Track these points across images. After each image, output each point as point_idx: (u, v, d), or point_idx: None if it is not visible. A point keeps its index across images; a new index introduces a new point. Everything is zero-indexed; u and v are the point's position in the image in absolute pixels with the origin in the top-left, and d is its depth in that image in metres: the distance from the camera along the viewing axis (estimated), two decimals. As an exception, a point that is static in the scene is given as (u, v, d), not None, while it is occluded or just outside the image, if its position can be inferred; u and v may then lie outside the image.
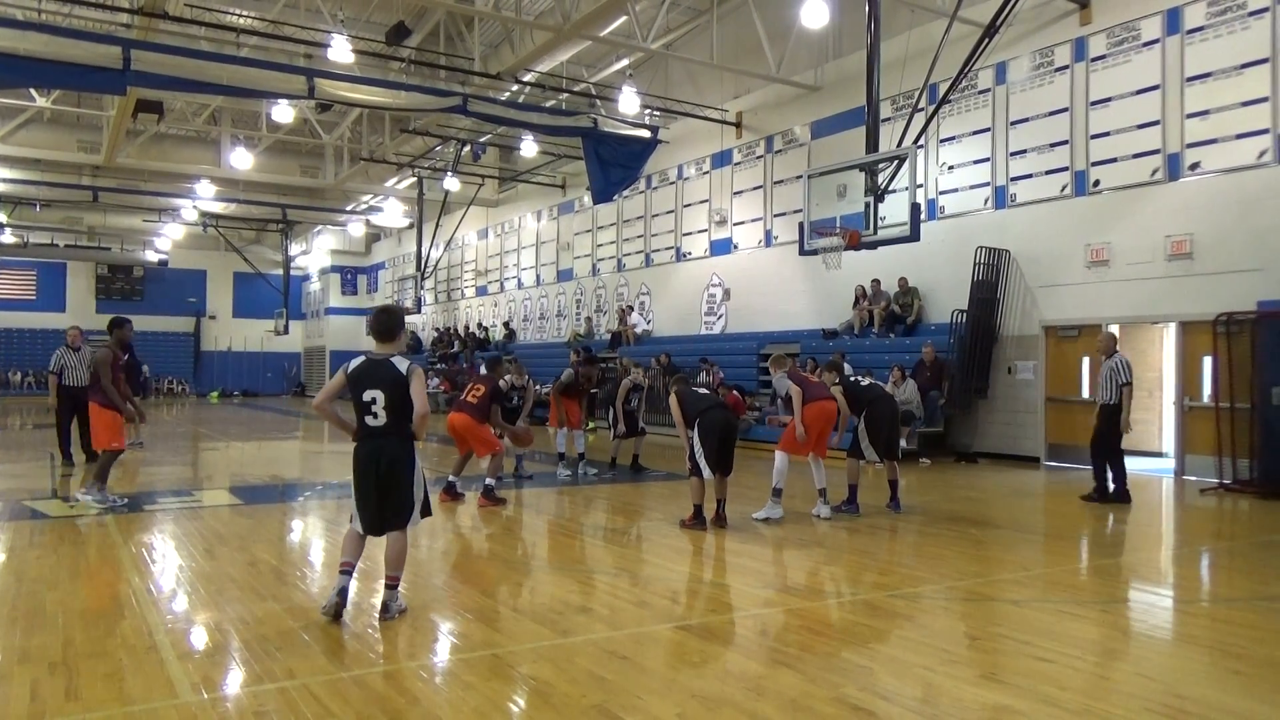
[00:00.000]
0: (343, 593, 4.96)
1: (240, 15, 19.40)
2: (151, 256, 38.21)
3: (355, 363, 5.03)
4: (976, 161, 14.51)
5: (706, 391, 8.49)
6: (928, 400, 13.80)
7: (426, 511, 5.20)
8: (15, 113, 24.04)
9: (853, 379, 9.24)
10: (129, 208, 32.36)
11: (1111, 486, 9.61)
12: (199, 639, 4.77)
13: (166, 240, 37.18)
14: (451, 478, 9.64)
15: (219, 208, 31.56)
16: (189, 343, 40.48)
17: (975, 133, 14.53)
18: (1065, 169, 13.22)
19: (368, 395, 4.89)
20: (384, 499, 4.96)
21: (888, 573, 6.43)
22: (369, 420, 4.92)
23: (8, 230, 33.31)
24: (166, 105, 22.90)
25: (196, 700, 3.80)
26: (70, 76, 13.70)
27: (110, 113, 22.60)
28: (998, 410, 14.01)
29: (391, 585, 5.09)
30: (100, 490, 8.83)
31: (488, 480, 9.40)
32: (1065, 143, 13.21)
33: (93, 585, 5.74)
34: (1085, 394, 12.98)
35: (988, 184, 14.33)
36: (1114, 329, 11.14)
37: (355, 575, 5.15)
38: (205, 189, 27.91)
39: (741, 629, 4.99)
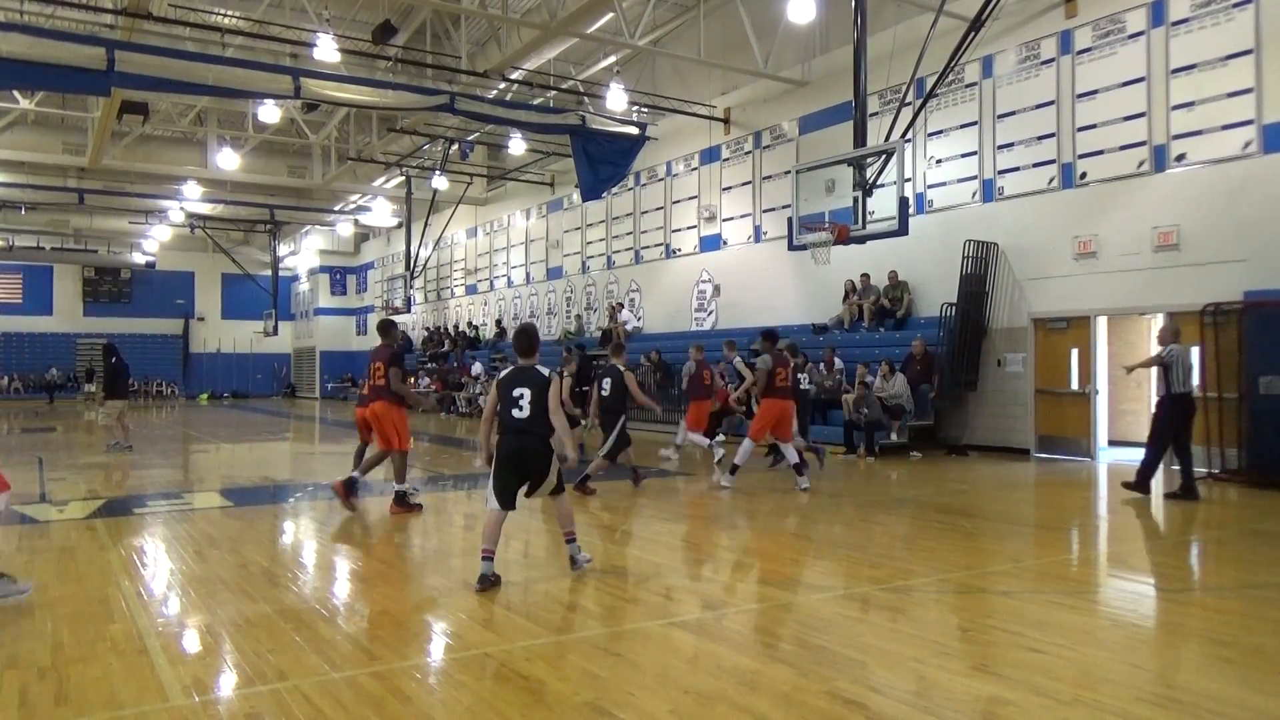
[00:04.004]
0: (489, 575, 5.66)
1: (225, 15, 19.30)
2: (139, 259, 38.01)
3: (505, 371, 5.97)
4: (964, 155, 14.55)
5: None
6: (918, 394, 13.84)
7: (559, 489, 5.96)
8: (-1, 115, 23.89)
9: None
10: (115, 210, 32.18)
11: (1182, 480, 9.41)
12: (190, 642, 4.75)
13: (154, 242, 36.98)
14: (353, 473, 8.63)
15: (206, 209, 31.42)
16: (177, 345, 40.30)
17: (962, 126, 14.56)
18: (1052, 162, 13.26)
19: (516, 392, 5.75)
20: (523, 480, 5.80)
21: (879, 566, 6.45)
22: (515, 413, 5.73)
23: (-7, 234, 33.14)
24: (152, 106, 22.78)
25: (187, 703, 3.78)
26: (54, 78, 13.61)
27: (95, 114, 22.46)
28: (988, 403, 14.06)
29: (570, 539, 5.99)
30: None
31: (397, 485, 8.52)
32: (1052, 135, 13.26)
33: (82, 589, 5.70)
34: (1074, 385, 13.05)
35: (975, 177, 14.37)
36: (1159, 318, 11.11)
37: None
38: (192, 190, 27.75)
39: (733, 624, 4.99)
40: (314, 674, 4.13)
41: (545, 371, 5.82)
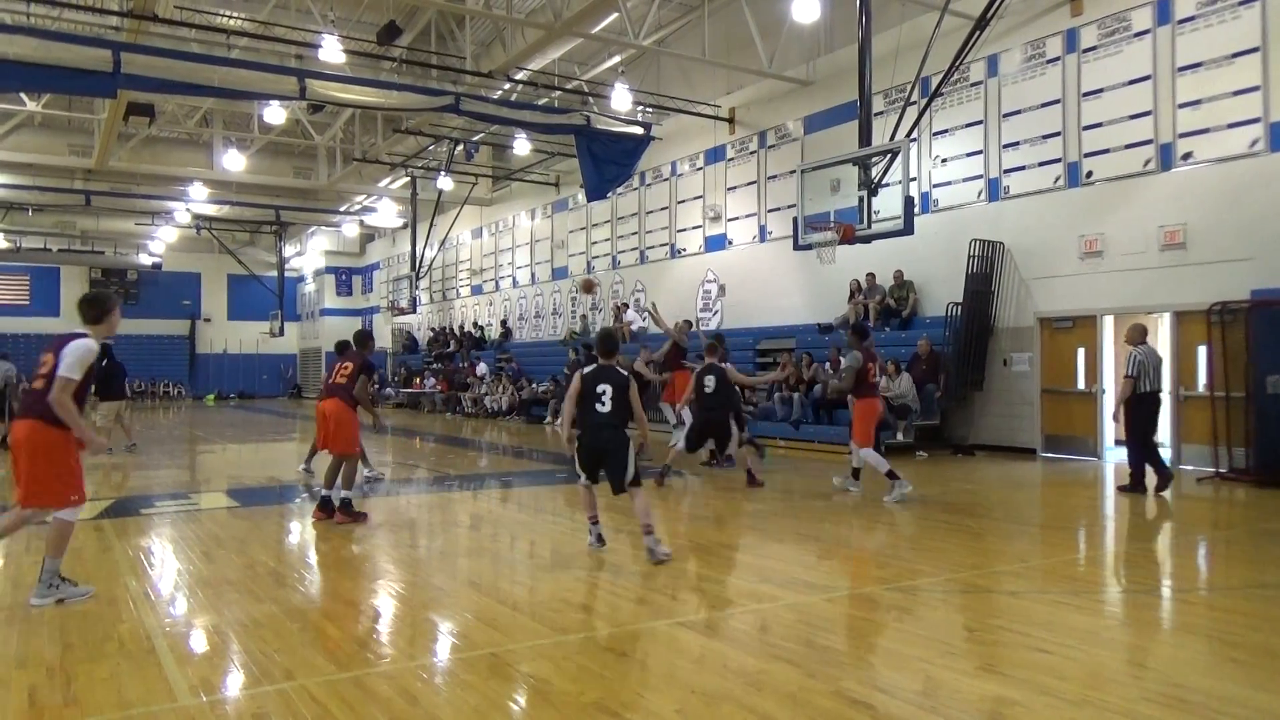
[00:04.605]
0: (599, 537, 6.70)
1: (230, 17, 19.34)
2: (145, 260, 38.09)
3: (589, 368, 6.53)
4: (969, 154, 14.52)
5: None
6: (924, 393, 13.81)
7: (636, 481, 6.44)
8: (6, 117, 23.96)
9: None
10: (122, 211, 32.25)
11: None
12: (198, 642, 4.76)
13: (160, 243, 37.06)
14: (324, 490, 8.23)
15: (212, 210, 31.47)
16: (184, 345, 40.38)
17: (968, 125, 14.54)
18: (1058, 160, 13.23)
19: (600, 388, 6.37)
20: (602, 465, 6.45)
21: (885, 566, 6.44)
22: (598, 407, 6.37)
23: (0, 235, 33.20)
24: (158, 108, 22.80)
25: (195, 703, 3.79)
26: (60, 80, 13.63)
27: (101, 116, 22.52)
28: (994, 402, 14.03)
29: (648, 532, 6.35)
30: None
31: (344, 492, 8.08)
32: (1058, 134, 13.22)
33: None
34: (1081, 385, 13.02)
35: (981, 176, 14.34)
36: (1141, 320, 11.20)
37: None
38: (198, 191, 27.80)
39: (739, 624, 4.99)
40: (321, 674, 4.14)
41: (624, 371, 6.54)
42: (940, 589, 5.70)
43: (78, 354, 5.15)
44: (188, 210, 30.66)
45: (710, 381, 10.13)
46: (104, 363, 15.16)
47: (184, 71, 14.17)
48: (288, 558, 7.10)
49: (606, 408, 6.34)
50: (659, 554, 6.31)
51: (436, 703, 3.83)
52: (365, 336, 8.81)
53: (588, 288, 13.27)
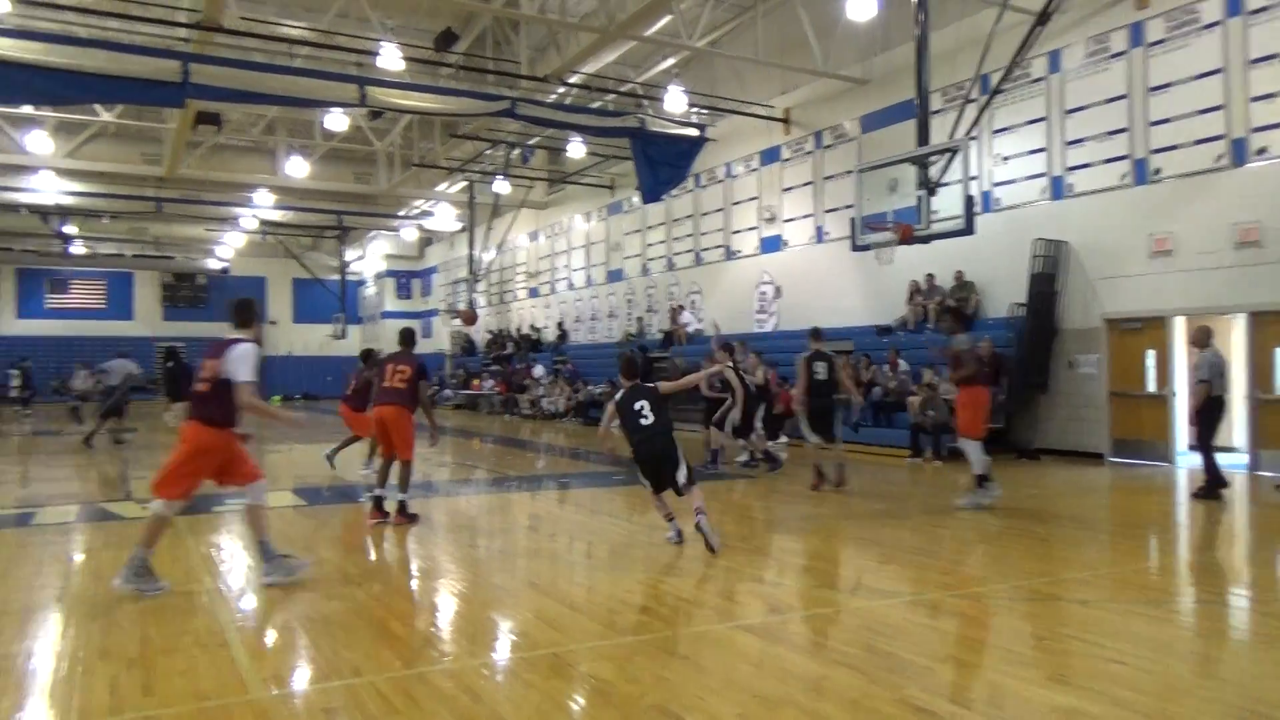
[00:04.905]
0: (679, 533, 6.99)
1: (293, 26, 19.79)
2: (214, 264, 39.21)
3: (619, 394, 7.13)
4: (1032, 152, 14.22)
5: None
6: (986, 396, 13.54)
7: (692, 479, 6.83)
8: (81, 128, 24.83)
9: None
10: (191, 217, 33.21)
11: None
12: (268, 636, 4.89)
13: (228, 248, 38.10)
14: (377, 490, 8.22)
15: (277, 215, 32.22)
16: (251, 348, 41.42)
17: (1030, 122, 14.24)
18: (1125, 157, 12.88)
19: (637, 405, 6.92)
20: (660, 467, 6.87)
21: (949, 572, 6.34)
22: (641, 421, 6.87)
23: (78, 242, 34.45)
24: (224, 117, 23.47)
25: (266, 696, 3.90)
26: (132, 91, 14.10)
27: (171, 125, 23.22)
28: (1059, 405, 13.71)
29: (700, 512, 6.67)
30: None
31: (400, 494, 8.14)
32: (1124, 130, 12.88)
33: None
34: (1151, 388, 12.66)
35: (1044, 174, 14.03)
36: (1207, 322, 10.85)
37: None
38: (263, 197, 28.53)
39: (800, 629, 4.96)
40: (387, 670, 4.22)
41: (650, 385, 7.14)
42: (1006, 596, 5.60)
43: (247, 359, 5.59)
44: (254, 216, 31.47)
45: (822, 368, 10.13)
46: (169, 365, 15.77)
47: (249, 81, 14.53)
48: (353, 556, 7.24)
49: (649, 419, 6.87)
50: (713, 541, 6.61)
51: (499, 700, 3.87)
52: (411, 335, 8.80)
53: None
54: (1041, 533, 7.76)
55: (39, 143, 23.56)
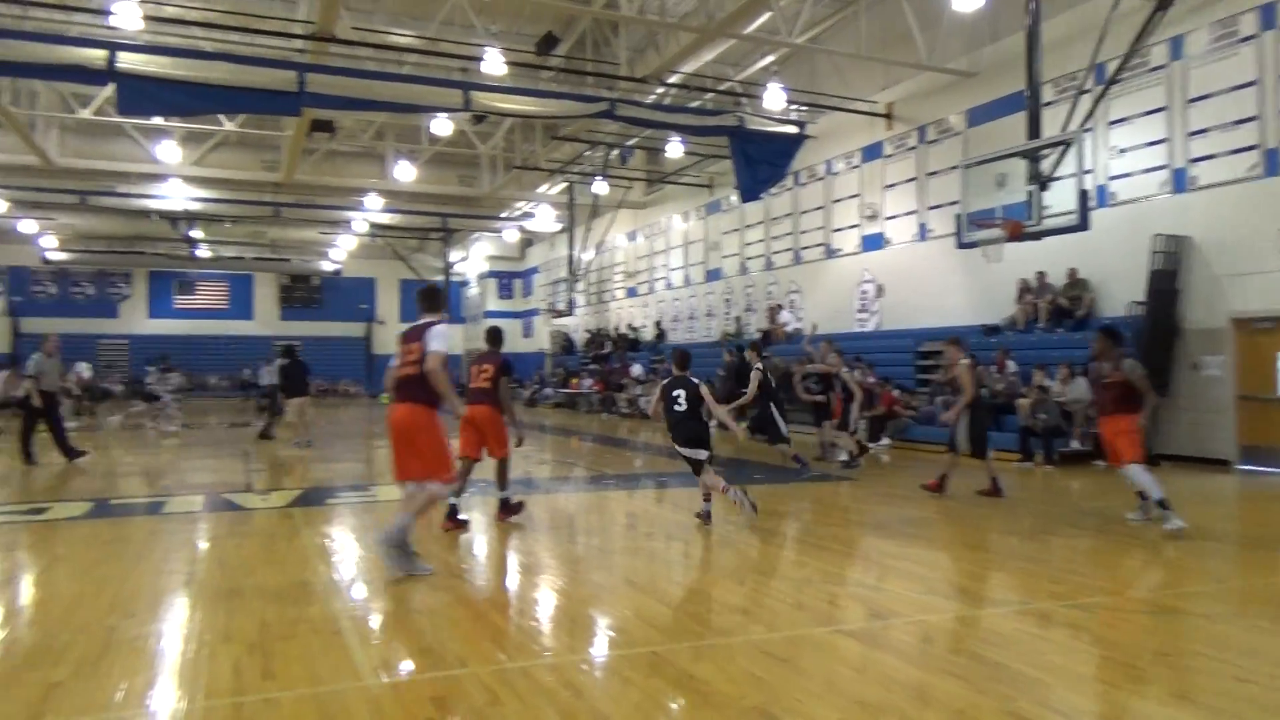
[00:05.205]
0: (707, 513, 7.97)
1: (401, 35, 20.43)
2: (327, 266, 40.91)
3: (665, 380, 8.38)
4: (1151, 143, 13.53)
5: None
6: (1100, 398, 12.98)
7: (710, 460, 7.99)
8: (206, 137, 26.21)
9: None
10: (306, 221, 34.71)
11: None
12: (378, 625, 5.07)
13: (340, 250, 39.65)
14: (453, 500, 7.97)
15: (385, 218, 33.33)
16: (361, 347, 42.97)
17: (1149, 113, 13.55)
18: (1254, 147, 12.14)
19: (675, 393, 8.04)
20: (688, 448, 8.00)
21: (1061, 581, 6.10)
22: (675, 408, 8.03)
23: (203, 245, 36.41)
24: (337, 124, 24.43)
25: (378, 684, 4.04)
26: (252, 101, 14.81)
27: (288, 133, 24.28)
28: (1181, 409, 13.01)
29: (706, 499, 7.93)
30: None
31: (501, 492, 8.29)
32: (1254, 119, 12.13)
33: (283, 572, 6.20)
34: (1283, 391, 11.91)
35: (1164, 166, 13.34)
36: None
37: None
38: (373, 201, 29.56)
39: (903, 635, 4.85)
40: (490, 662, 4.32)
41: (695, 380, 8.09)
42: (1123, 607, 5.36)
43: (441, 335, 6.08)
44: (364, 219, 32.65)
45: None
46: (286, 362, 16.49)
47: (360, 89, 15.10)
48: (457, 549, 7.43)
49: (683, 407, 8.01)
50: (702, 514, 7.88)
51: (599, 696, 3.92)
52: (498, 334, 8.70)
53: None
54: (1162, 542, 7.38)
55: (168, 152, 24.98)
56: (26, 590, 6.01)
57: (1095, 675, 4.12)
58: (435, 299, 6.49)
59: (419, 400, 6.03)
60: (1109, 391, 8.09)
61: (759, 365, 11.83)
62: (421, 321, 6.26)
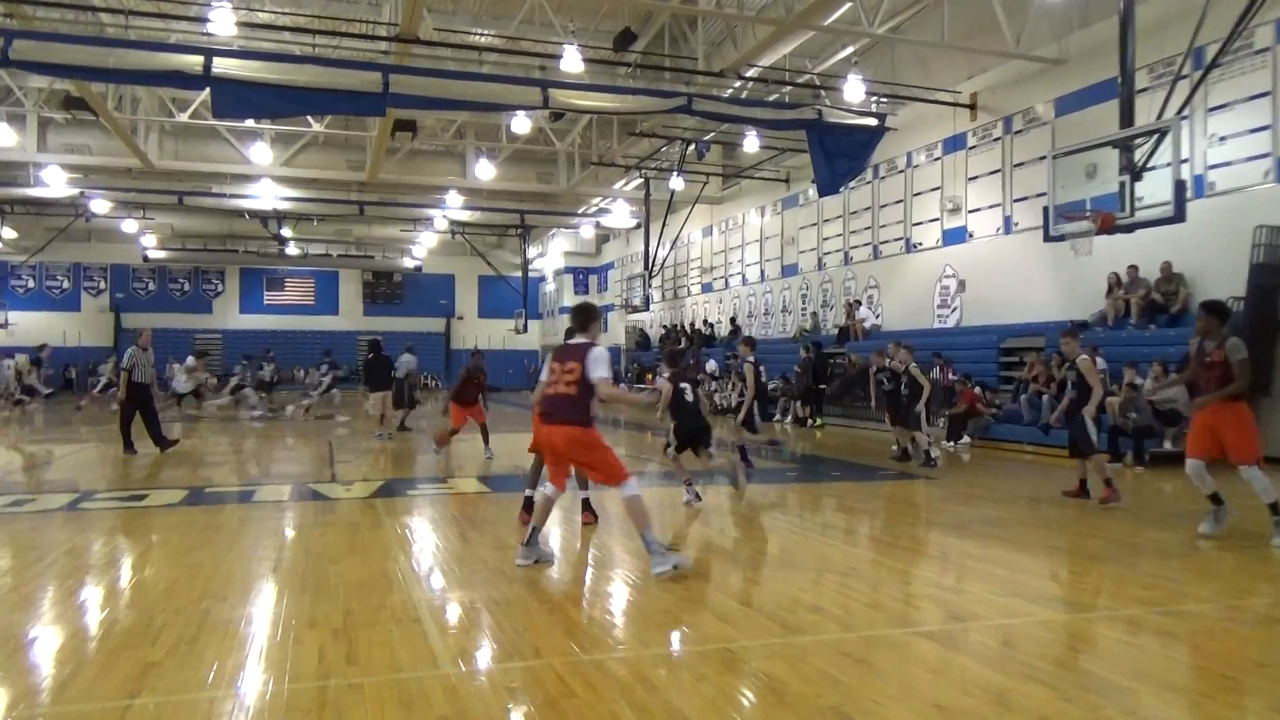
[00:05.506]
0: (696, 494, 8.98)
1: (481, 34, 20.75)
2: (408, 263, 41.88)
3: (667, 375, 9.24)
4: (1253, 130, 12.89)
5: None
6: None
7: (710, 444, 9.09)
8: (295, 138, 27.07)
9: None
10: (389, 219, 35.63)
11: None
12: (455, 615, 5.17)
13: (421, 247, 40.54)
14: (528, 491, 7.76)
15: (465, 216, 33.94)
16: (441, 342, 43.86)
17: (1251, 98, 12.91)
18: (1370, 132, 11.47)
19: (683, 386, 8.94)
20: (697, 437, 8.95)
21: (1152, 587, 5.87)
22: (686, 399, 8.92)
23: (292, 243, 37.64)
24: (419, 123, 24.96)
25: (455, 672, 4.13)
26: (339, 102, 15.18)
27: (372, 133, 24.93)
28: (1284, 409, 12.39)
29: (688, 484, 8.90)
30: None
31: (583, 492, 8.05)
32: (1370, 102, 11.47)
33: (366, 561, 6.37)
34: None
35: (1268, 155, 12.70)
36: None
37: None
38: (453, 199, 30.14)
39: (983, 638, 4.74)
40: (565, 654, 4.37)
41: (696, 376, 8.83)
42: (1219, 616, 5.13)
43: (603, 360, 6.05)
44: (444, 216, 33.30)
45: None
46: (370, 356, 16.93)
47: (442, 88, 15.36)
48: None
49: (692, 399, 9.00)
50: (689, 496, 8.87)
51: (672, 691, 3.93)
52: (589, 311, 8.04)
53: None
54: (1262, 549, 7.04)
55: (260, 153, 25.89)
56: (126, 573, 6.31)
57: (1188, 685, 3.96)
58: (586, 317, 6.33)
59: (577, 422, 5.98)
60: (1212, 371, 7.32)
61: (750, 359, 11.85)
62: (578, 342, 6.21)
